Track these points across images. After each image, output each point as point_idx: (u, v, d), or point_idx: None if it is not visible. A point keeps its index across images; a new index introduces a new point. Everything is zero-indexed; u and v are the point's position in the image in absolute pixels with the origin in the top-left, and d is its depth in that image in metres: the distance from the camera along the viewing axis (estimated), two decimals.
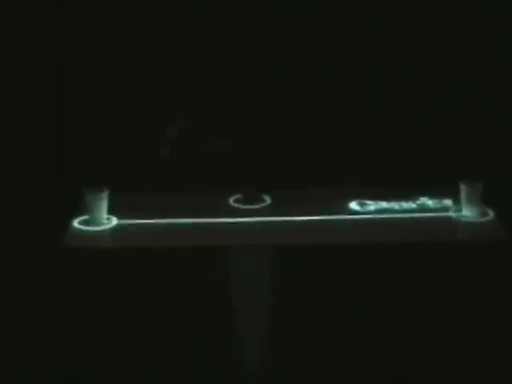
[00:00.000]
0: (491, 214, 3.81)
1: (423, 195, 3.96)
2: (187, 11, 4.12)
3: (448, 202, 3.92)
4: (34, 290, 3.68)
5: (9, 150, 3.90)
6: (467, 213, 3.80)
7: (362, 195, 3.96)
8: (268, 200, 4.00)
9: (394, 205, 3.91)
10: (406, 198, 3.95)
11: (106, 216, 3.73)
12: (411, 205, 3.92)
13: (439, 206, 3.90)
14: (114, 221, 3.74)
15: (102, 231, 3.69)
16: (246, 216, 3.86)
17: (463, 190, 3.83)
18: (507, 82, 4.11)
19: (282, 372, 3.63)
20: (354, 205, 3.93)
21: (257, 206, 3.95)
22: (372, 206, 3.91)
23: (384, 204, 3.92)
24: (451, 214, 3.83)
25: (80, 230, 3.69)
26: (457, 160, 4.14)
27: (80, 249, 3.58)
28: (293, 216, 3.81)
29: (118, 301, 3.57)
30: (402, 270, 3.55)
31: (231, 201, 4.00)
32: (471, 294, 3.58)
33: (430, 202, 3.93)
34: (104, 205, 3.72)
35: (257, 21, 4.13)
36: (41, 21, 4.00)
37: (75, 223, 3.72)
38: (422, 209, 3.89)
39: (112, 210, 3.77)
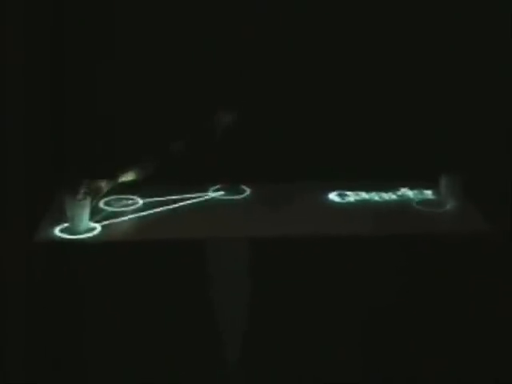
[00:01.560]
0: (471, 205, 3.80)
1: (404, 186, 3.96)
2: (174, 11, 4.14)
3: (428, 194, 3.92)
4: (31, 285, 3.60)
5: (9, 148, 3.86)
6: (447, 204, 3.79)
7: (343, 187, 3.97)
8: (248, 192, 3.99)
9: (374, 195, 3.90)
10: (387, 189, 3.94)
11: (88, 224, 3.63)
12: (391, 196, 3.91)
13: (420, 197, 3.90)
14: (98, 228, 3.64)
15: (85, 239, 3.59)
16: (226, 207, 3.87)
17: (444, 181, 3.83)
18: (489, 80, 4.10)
19: (260, 362, 3.62)
20: (333, 196, 3.92)
21: (237, 197, 3.95)
22: (352, 196, 3.90)
23: (364, 195, 3.91)
24: (431, 205, 3.83)
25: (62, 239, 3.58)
26: (439, 153, 4.09)
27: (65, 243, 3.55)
28: (271, 208, 3.81)
29: (102, 295, 3.56)
30: (379, 262, 3.54)
31: (211, 192, 3.99)
32: (452, 285, 3.57)
33: (410, 193, 3.93)
34: (86, 211, 3.62)
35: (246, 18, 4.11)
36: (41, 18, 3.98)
37: (57, 231, 3.61)
38: (402, 200, 3.89)
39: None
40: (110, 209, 3.82)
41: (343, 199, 3.89)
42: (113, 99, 4.15)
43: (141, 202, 3.88)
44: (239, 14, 4.09)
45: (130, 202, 3.89)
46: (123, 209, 3.82)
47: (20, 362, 3.57)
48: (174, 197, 3.89)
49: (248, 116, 4.11)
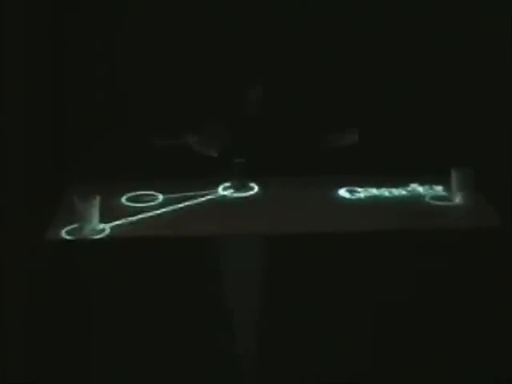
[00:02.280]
0: (482, 199, 3.81)
1: (414, 182, 3.96)
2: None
3: (439, 189, 3.93)
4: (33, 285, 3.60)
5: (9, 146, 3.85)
6: (458, 199, 3.80)
7: (353, 183, 3.98)
8: (256, 188, 4.00)
9: (384, 191, 3.91)
10: (397, 184, 3.94)
11: (98, 224, 3.61)
12: (401, 191, 3.91)
13: (430, 192, 3.90)
14: (107, 230, 3.64)
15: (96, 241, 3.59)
16: (237, 204, 3.88)
17: (454, 176, 3.82)
18: (494, 77, 4.10)
19: (271, 357, 3.63)
20: (343, 192, 3.92)
21: (246, 194, 3.96)
22: (362, 193, 3.91)
23: (374, 191, 3.91)
24: (443, 200, 3.84)
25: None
26: (448, 148, 4.07)
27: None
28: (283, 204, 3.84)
29: (112, 291, 3.57)
30: (390, 257, 3.55)
31: (221, 189, 4.00)
32: (462, 280, 3.57)
33: (420, 189, 3.93)
34: (96, 213, 3.59)
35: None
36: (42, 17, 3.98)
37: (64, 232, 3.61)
38: (413, 195, 3.89)
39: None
40: (132, 204, 3.85)
41: (353, 195, 3.89)
42: (114, 97, 4.15)
43: (161, 197, 3.91)
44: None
45: (151, 198, 3.92)
46: (145, 205, 3.85)
47: (22, 361, 3.57)
48: (191, 193, 3.91)
49: (256, 110, 4.13)
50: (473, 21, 4.05)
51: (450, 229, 3.61)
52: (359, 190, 3.92)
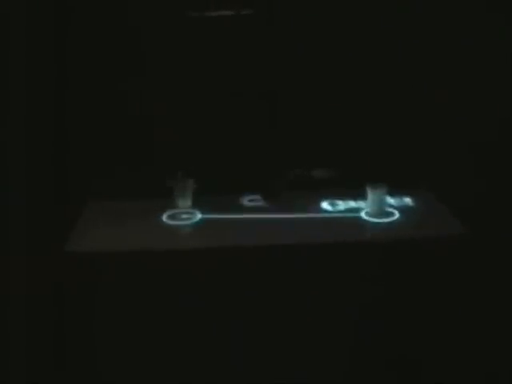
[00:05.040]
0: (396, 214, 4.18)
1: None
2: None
3: (408, 201, 4.34)
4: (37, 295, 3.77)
5: (11, 153, 3.91)
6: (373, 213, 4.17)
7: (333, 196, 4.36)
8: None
9: (361, 203, 4.29)
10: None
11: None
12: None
13: (401, 204, 4.30)
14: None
15: None
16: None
17: (369, 191, 4.16)
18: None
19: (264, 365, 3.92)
20: (325, 205, 4.33)
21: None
22: (341, 205, 4.31)
23: (352, 203, 4.32)
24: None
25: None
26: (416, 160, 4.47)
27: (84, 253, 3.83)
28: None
29: (121, 305, 3.81)
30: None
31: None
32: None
33: (392, 201, 4.31)
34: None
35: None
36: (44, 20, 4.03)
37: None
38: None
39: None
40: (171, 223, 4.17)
41: (334, 208, 4.29)
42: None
43: (199, 215, 4.24)
44: None
45: (187, 216, 4.22)
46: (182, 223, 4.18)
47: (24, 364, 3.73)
48: None
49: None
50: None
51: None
52: (339, 202, 4.32)
